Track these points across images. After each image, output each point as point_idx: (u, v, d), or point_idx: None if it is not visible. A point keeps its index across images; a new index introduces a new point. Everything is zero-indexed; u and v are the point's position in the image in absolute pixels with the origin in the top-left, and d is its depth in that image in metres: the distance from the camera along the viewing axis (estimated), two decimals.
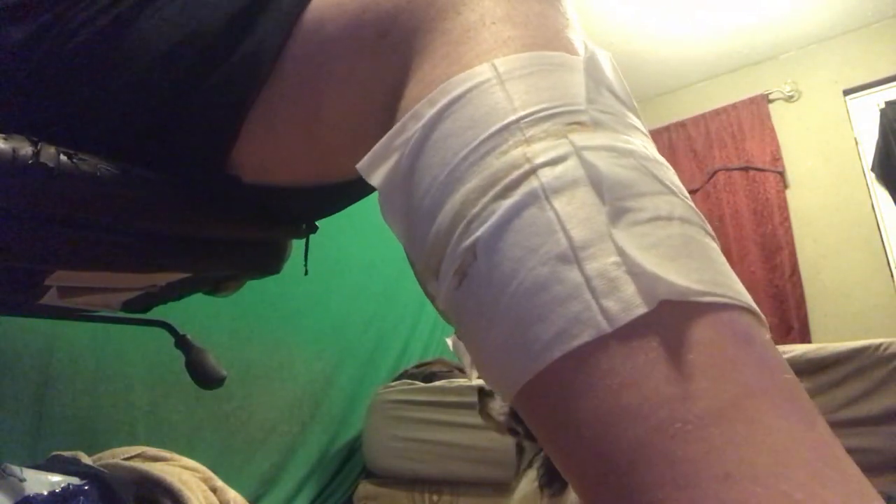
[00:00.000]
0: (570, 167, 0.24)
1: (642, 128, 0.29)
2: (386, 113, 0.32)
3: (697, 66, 3.39)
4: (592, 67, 0.28)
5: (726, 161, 3.37)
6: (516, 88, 0.26)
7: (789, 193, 3.21)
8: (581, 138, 0.25)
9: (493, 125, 0.26)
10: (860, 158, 3.06)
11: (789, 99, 3.29)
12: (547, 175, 0.24)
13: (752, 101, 3.35)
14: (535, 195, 0.24)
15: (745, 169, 3.30)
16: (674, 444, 0.20)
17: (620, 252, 0.22)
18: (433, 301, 0.30)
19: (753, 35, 3.12)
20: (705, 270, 0.23)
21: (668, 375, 0.21)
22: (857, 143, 3.08)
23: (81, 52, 0.40)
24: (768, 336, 0.23)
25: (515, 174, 0.25)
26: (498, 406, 0.77)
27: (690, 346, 0.21)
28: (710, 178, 3.40)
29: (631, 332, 0.22)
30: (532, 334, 0.23)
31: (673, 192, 0.25)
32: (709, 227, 0.26)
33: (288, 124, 0.39)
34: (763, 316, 0.24)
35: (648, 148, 0.27)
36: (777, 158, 3.23)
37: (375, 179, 0.30)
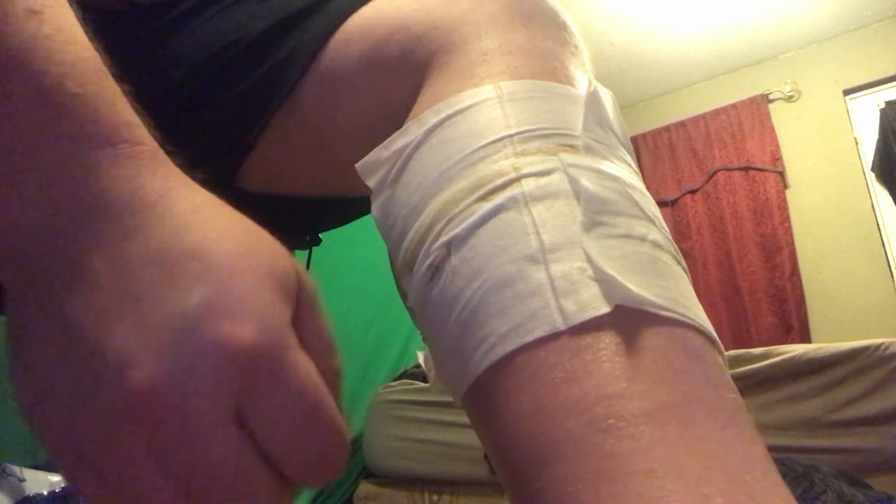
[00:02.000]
0: (555, 180, 0.26)
1: (633, 165, 0.30)
2: (398, 129, 0.34)
3: (697, 66, 3.39)
4: (593, 102, 0.29)
5: (726, 161, 3.37)
6: (515, 109, 0.28)
7: (789, 193, 3.21)
8: (570, 157, 0.27)
9: (488, 137, 0.27)
10: (860, 158, 3.06)
11: (789, 99, 3.29)
12: (531, 184, 0.26)
13: (752, 101, 3.35)
14: (516, 200, 0.25)
15: (745, 169, 3.30)
16: (604, 439, 0.20)
17: (587, 258, 0.23)
18: (404, 298, 0.30)
19: (753, 35, 3.12)
20: (667, 289, 0.24)
21: (610, 374, 0.21)
22: (857, 143, 3.08)
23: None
24: (722, 361, 0.24)
25: (501, 180, 0.26)
26: None
27: (638, 351, 0.22)
28: (710, 178, 3.40)
29: (583, 331, 0.22)
30: (489, 328, 0.24)
31: (651, 221, 0.27)
32: (682, 259, 0.27)
33: (304, 134, 0.39)
34: (721, 345, 0.25)
35: (635, 181, 0.28)
36: (777, 158, 3.23)
37: (372, 180, 0.31)
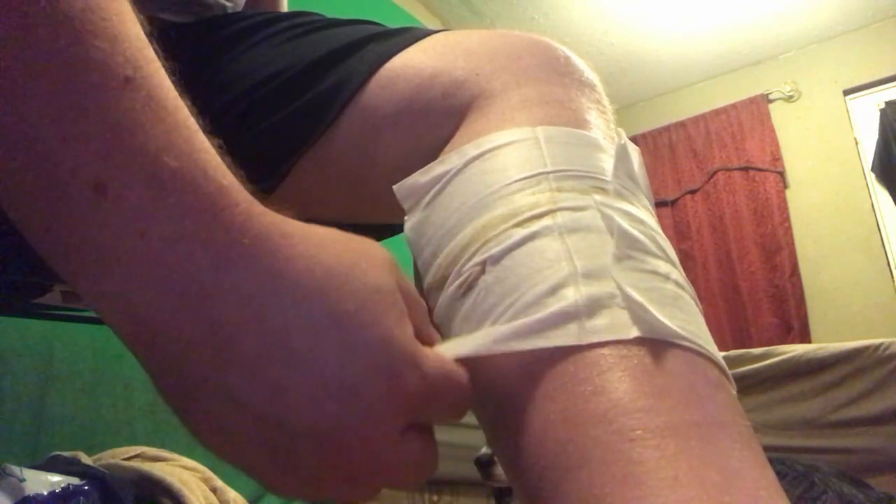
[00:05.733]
0: (588, 216, 0.27)
1: (653, 213, 0.32)
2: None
3: (697, 66, 3.39)
4: (621, 153, 0.31)
5: (726, 161, 3.36)
6: (552, 150, 0.30)
7: (789, 193, 3.21)
8: (602, 198, 0.28)
9: (526, 171, 0.29)
10: (860, 158, 3.06)
11: (789, 99, 3.29)
12: (566, 216, 0.27)
13: (752, 101, 3.35)
14: (551, 229, 0.27)
15: (745, 169, 3.30)
16: (630, 447, 0.21)
17: (618, 287, 0.25)
18: (429, 314, 0.31)
19: (753, 35, 3.12)
20: (689, 322, 0.26)
21: (638, 390, 0.23)
22: (857, 143, 3.08)
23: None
24: (734, 393, 0.26)
25: (538, 210, 0.27)
26: (500, 472, 0.79)
27: (664, 373, 0.23)
28: (710, 178, 3.40)
29: (612, 350, 0.24)
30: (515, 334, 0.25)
31: (673, 264, 0.28)
32: (698, 300, 0.29)
33: (339, 166, 0.40)
34: (733, 381, 0.27)
35: (657, 227, 0.31)
36: (777, 158, 3.23)
37: (407, 202, 0.32)
